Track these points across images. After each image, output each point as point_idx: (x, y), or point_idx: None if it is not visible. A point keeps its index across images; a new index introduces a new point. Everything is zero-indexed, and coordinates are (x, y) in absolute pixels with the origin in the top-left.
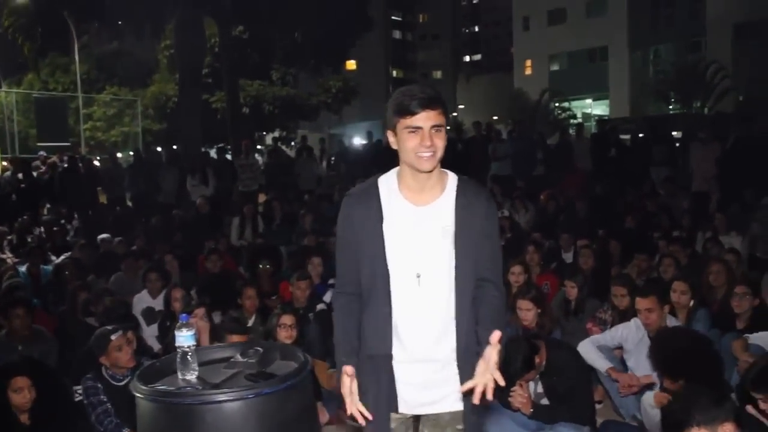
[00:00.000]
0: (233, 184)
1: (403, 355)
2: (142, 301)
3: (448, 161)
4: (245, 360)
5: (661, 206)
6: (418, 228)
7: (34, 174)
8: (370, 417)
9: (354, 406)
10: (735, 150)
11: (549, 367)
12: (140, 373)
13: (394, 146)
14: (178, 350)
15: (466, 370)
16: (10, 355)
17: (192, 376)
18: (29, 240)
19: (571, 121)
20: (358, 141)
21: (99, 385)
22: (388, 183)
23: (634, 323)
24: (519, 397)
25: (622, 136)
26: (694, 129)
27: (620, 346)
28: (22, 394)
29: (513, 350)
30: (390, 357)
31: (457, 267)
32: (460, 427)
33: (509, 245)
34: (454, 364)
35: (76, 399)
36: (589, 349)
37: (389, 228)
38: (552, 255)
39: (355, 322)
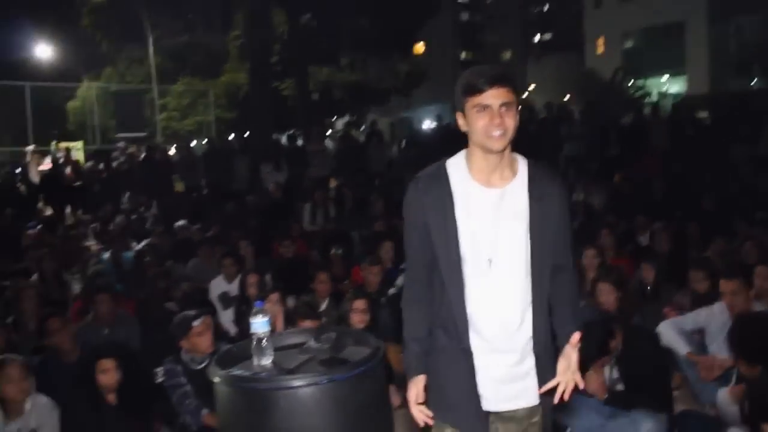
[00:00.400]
0: (305, 170)
1: (479, 346)
2: (218, 286)
3: (521, 143)
4: (318, 345)
5: (743, 187)
6: (491, 212)
7: (114, 164)
8: (429, 420)
9: (418, 411)
10: None
11: (625, 352)
12: (218, 358)
13: (464, 128)
14: (253, 336)
15: (545, 361)
16: (97, 338)
17: (267, 361)
18: (111, 228)
19: (646, 99)
20: (428, 124)
21: (178, 368)
22: (457, 166)
23: (718, 307)
24: (594, 382)
25: (701, 114)
26: None
27: (701, 329)
28: (109, 374)
29: (587, 334)
30: (468, 350)
31: (532, 253)
32: (535, 420)
33: (582, 228)
34: (532, 355)
35: (157, 381)
36: (669, 331)
37: (461, 212)
38: (627, 237)
39: (425, 313)
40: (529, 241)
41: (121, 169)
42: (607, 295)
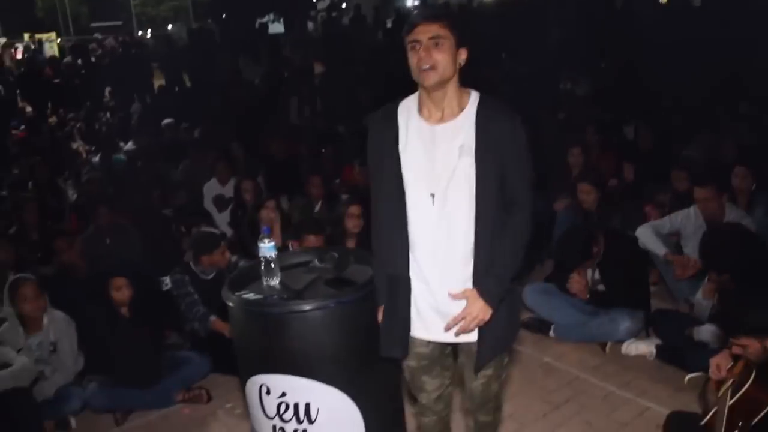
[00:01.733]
0: (286, 60)
1: (419, 276)
2: (211, 189)
3: (506, 30)
4: (323, 265)
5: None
6: (433, 147)
7: (92, 59)
8: None
9: None
10: None
11: (607, 255)
12: (229, 281)
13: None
14: (262, 259)
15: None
16: (101, 247)
17: (275, 282)
18: (97, 127)
19: None
20: (412, 2)
21: (186, 278)
22: (408, 105)
23: (693, 210)
24: (576, 284)
25: None
26: None
27: (677, 231)
28: (121, 291)
29: (571, 239)
30: (408, 279)
31: (477, 188)
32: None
33: (569, 121)
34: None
35: (164, 289)
36: (647, 234)
37: (404, 147)
38: (613, 130)
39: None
40: (475, 175)
41: (100, 64)
42: (587, 195)
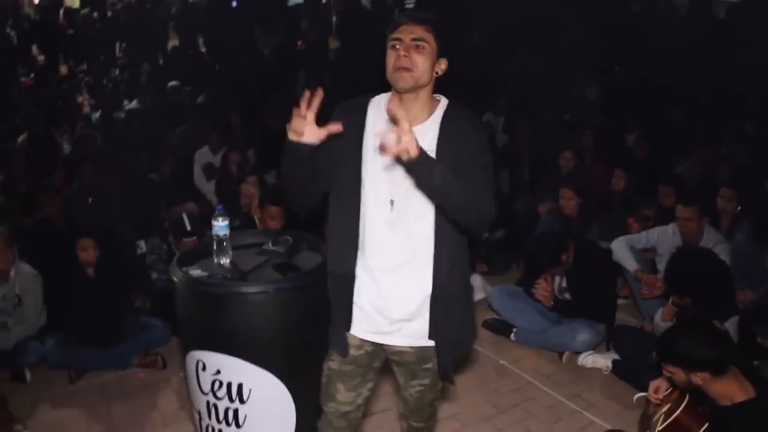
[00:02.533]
0: (301, 32)
1: (370, 277)
2: (203, 156)
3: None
4: (275, 249)
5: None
6: None
7: (109, 13)
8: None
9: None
10: None
11: (576, 264)
12: (179, 257)
13: None
14: (214, 237)
15: (442, 305)
16: (82, 205)
17: (226, 261)
18: (104, 82)
19: None
20: None
21: (164, 246)
22: (378, 103)
23: (672, 228)
24: (542, 290)
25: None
26: None
27: (654, 248)
28: (87, 252)
29: (541, 245)
30: (352, 277)
31: None
32: (428, 366)
33: (574, 121)
34: (428, 302)
35: (139, 253)
36: (621, 248)
37: (367, 149)
38: (615, 137)
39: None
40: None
41: (117, 19)
42: (568, 201)
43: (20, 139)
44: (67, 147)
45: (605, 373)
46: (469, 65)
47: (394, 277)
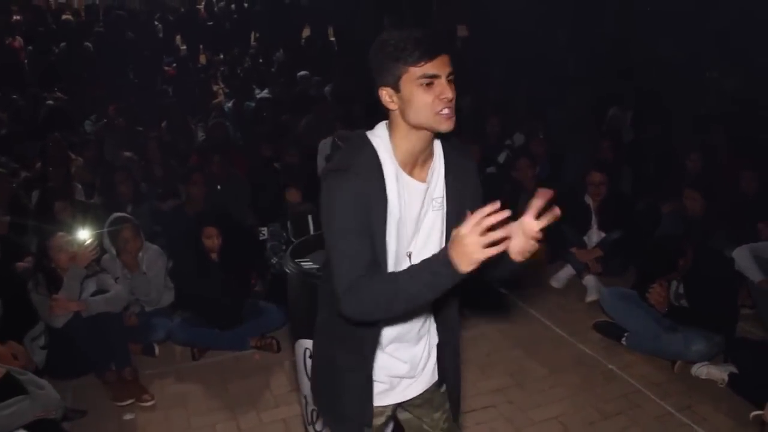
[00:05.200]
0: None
1: (384, 344)
2: (327, 146)
3: None
4: None
5: None
6: (417, 206)
7: (245, 5)
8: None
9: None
10: None
11: (695, 270)
12: (293, 248)
13: (392, 106)
14: None
15: (447, 338)
16: (213, 193)
17: None
18: (239, 71)
19: None
20: None
21: (284, 234)
22: (386, 151)
23: None
24: (657, 294)
25: None
26: None
27: None
28: (212, 240)
29: (658, 247)
30: (370, 359)
31: (446, 238)
32: (442, 390)
33: (706, 116)
34: (435, 337)
35: (261, 238)
36: (744, 256)
37: (393, 209)
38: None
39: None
40: (444, 226)
41: (253, 9)
42: (693, 202)
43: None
44: (201, 135)
45: (720, 386)
46: (599, 55)
47: (413, 331)
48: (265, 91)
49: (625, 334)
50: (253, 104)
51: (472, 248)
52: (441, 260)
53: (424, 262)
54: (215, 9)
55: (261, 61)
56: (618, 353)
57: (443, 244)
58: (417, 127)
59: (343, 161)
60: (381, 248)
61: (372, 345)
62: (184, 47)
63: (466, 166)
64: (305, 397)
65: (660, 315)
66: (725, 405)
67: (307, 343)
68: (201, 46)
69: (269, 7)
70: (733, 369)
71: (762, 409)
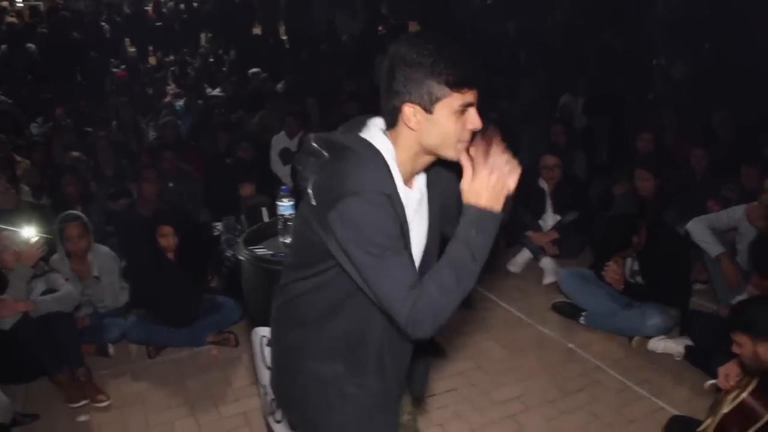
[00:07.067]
0: (383, 17)
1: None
2: (279, 141)
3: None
4: None
5: None
6: (412, 217)
7: (195, 4)
8: None
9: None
10: None
11: (648, 247)
12: (245, 237)
13: (412, 125)
14: (279, 217)
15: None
16: (164, 190)
17: (291, 240)
18: (189, 71)
19: None
20: None
21: (239, 227)
22: (395, 167)
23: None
24: (612, 272)
25: None
26: None
27: (735, 228)
28: (166, 238)
29: (612, 226)
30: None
31: (425, 251)
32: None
33: (656, 101)
34: None
35: (216, 234)
36: (700, 230)
37: (411, 219)
38: (698, 116)
39: None
40: (426, 239)
41: (202, 9)
42: (644, 182)
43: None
44: (152, 135)
45: (677, 359)
46: (550, 44)
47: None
48: (217, 89)
49: (583, 314)
50: (204, 102)
51: (497, 184)
52: (478, 216)
53: (462, 229)
54: (164, 9)
55: (212, 60)
56: (577, 332)
57: (419, 257)
58: (429, 152)
59: (360, 179)
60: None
61: (376, 361)
62: (133, 49)
63: (444, 171)
64: (264, 387)
65: (617, 292)
66: (682, 376)
67: (264, 331)
68: (151, 48)
69: (219, 6)
70: (689, 342)
71: (716, 377)
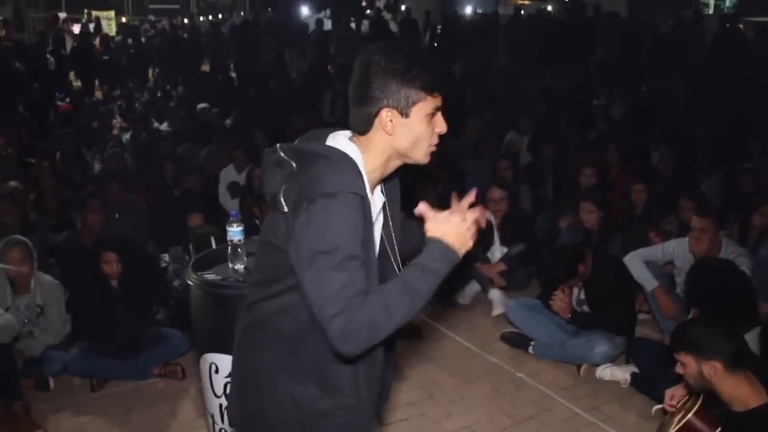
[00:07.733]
0: (330, 56)
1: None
2: (228, 175)
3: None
4: None
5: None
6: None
7: (143, 39)
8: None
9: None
10: None
11: (594, 276)
12: (194, 262)
13: (388, 129)
14: (229, 243)
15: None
16: (109, 221)
17: (240, 266)
18: (136, 105)
19: None
20: (470, 11)
21: (186, 257)
22: (364, 173)
23: (688, 240)
24: (559, 302)
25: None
26: None
27: (671, 261)
28: (110, 265)
29: (558, 256)
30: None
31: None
32: None
33: (598, 140)
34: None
35: (163, 265)
36: (636, 265)
37: (376, 232)
38: (640, 153)
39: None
40: (380, 245)
41: (150, 45)
42: (589, 214)
43: (55, 157)
44: (97, 167)
45: (624, 386)
46: (494, 86)
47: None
48: (164, 124)
49: (532, 343)
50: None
51: (466, 233)
52: (439, 252)
53: (422, 258)
54: (111, 44)
55: (160, 95)
56: (526, 361)
57: (378, 248)
58: (401, 155)
59: (334, 182)
60: (374, 271)
61: (354, 383)
62: (78, 83)
63: (395, 181)
64: (212, 417)
65: (564, 321)
66: (629, 403)
67: (213, 358)
68: (97, 81)
69: (169, 42)
70: (635, 369)
71: (662, 403)
